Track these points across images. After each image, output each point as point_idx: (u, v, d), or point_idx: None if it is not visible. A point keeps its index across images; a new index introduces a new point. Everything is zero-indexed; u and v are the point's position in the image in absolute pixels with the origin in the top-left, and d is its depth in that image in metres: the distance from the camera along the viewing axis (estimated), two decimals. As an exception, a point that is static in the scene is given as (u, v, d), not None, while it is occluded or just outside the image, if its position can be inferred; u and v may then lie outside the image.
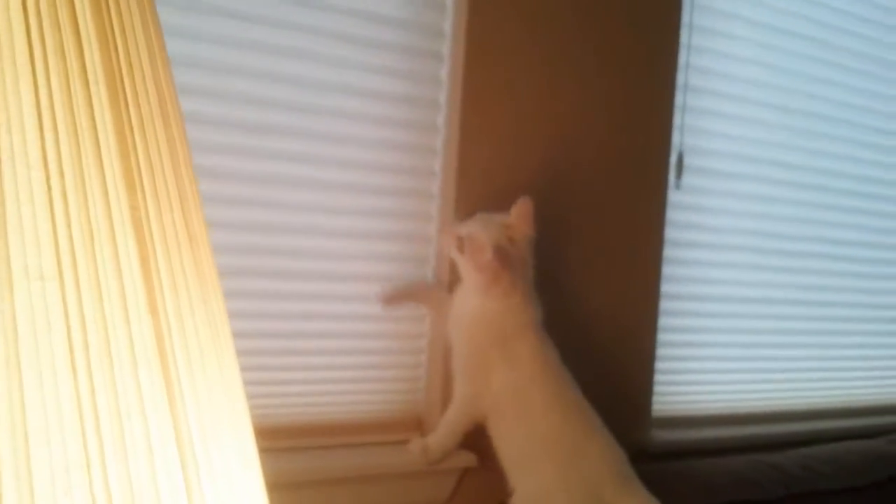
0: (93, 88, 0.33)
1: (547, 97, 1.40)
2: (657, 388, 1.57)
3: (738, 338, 1.72)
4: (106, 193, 0.32)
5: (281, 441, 1.24)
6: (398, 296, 1.28)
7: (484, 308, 1.19)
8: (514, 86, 1.37)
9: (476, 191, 1.33)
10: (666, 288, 1.57)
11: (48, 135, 0.31)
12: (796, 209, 1.77)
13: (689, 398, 1.66)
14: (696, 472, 1.30)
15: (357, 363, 1.31)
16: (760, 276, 1.74)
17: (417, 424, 1.36)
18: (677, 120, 1.56)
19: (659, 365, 1.57)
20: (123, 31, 0.35)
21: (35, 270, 0.29)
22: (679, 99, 1.56)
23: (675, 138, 1.56)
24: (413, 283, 1.31)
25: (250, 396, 1.23)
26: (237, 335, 1.24)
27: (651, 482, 1.20)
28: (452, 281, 1.29)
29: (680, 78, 1.56)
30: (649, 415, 1.56)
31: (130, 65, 0.36)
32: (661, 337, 1.57)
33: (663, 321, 1.57)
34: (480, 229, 1.18)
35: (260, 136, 1.19)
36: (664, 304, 1.57)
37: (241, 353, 1.21)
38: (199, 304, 0.38)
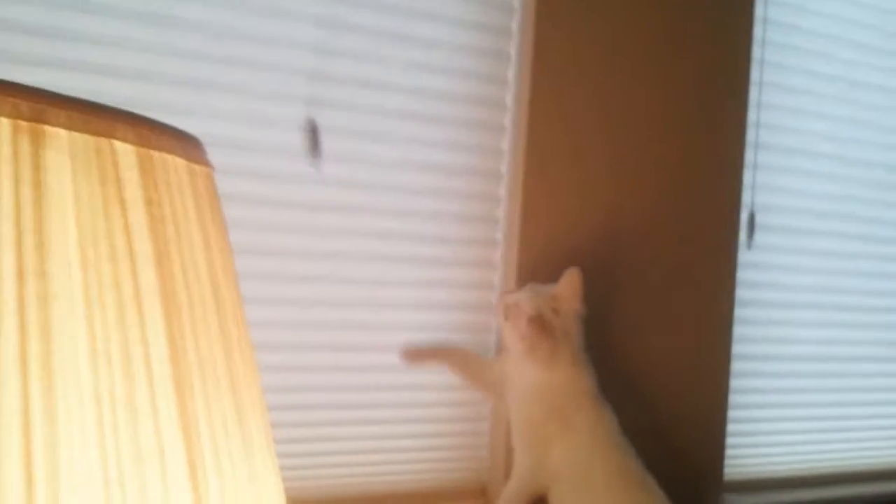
0: (144, 295, 0.37)
1: (612, 159, 1.40)
2: (729, 451, 1.55)
3: (812, 397, 1.67)
4: (156, 409, 0.36)
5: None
6: (424, 354, 1.28)
7: (537, 380, 1.20)
8: (578, 150, 1.38)
9: (539, 259, 1.35)
10: (738, 349, 1.54)
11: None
12: (871, 263, 1.72)
13: (763, 461, 1.62)
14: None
15: (420, 432, 1.34)
16: (835, 334, 1.69)
17: (481, 493, 1.38)
18: (748, 178, 1.54)
19: (731, 427, 1.55)
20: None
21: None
22: (749, 157, 1.54)
23: (746, 197, 1.54)
24: (441, 344, 1.31)
25: (316, 466, 1.29)
26: (306, 407, 1.30)
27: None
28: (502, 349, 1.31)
29: (750, 135, 1.54)
30: (721, 478, 1.53)
31: (182, 256, 0.40)
32: (733, 398, 1.55)
33: (735, 382, 1.55)
34: (526, 299, 1.19)
35: (327, 213, 1.24)
36: (736, 366, 1.54)
37: (307, 424, 1.26)
38: (246, 488, 0.41)
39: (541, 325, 1.16)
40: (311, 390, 1.25)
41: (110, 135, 0.36)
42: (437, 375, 1.32)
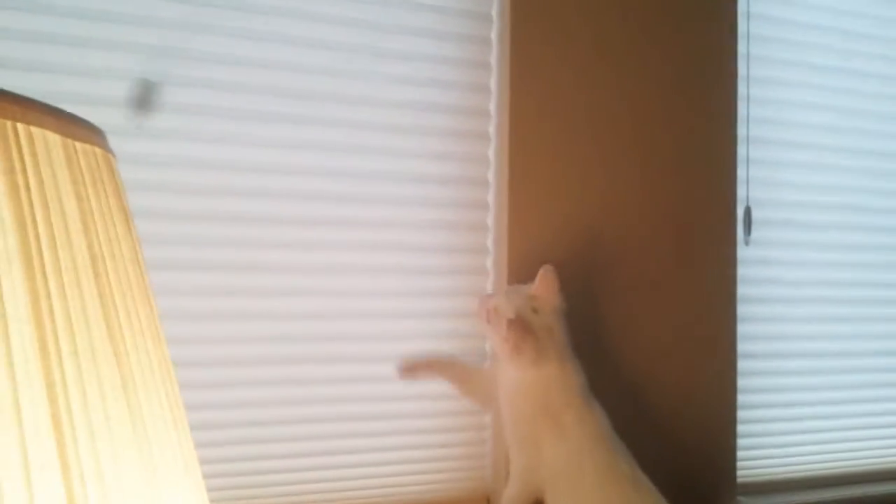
0: (1, 257, 0.38)
1: (599, 161, 1.40)
2: (741, 454, 1.51)
3: (822, 395, 1.62)
4: (11, 362, 0.37)
5: (348, 522, 1.28)
6: (419, 367, 1.28)
7: (523, 379, 1.19)
8: (564, 153, 1.38)
9: (529, 263, 1.34)
10: (743, 347, 1.51)
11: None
12: (874, 254, 1.68)
13: (775, 461, 1.57)
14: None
15: (421, 443, 1.33)
16: (841, 329, 1.64)
17: (485, 502, 1.37)
18: (742, 173, 1.52)
19: (741, 428, 1.51)
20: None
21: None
22: (742, 151, 1.52)
23: (742, 192, 1.52)
24: (435, 356, 1.31)
25: (316, 480, 1.29)
26: (303, 421, 1.31)
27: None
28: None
29: (742, 130, 1.53)
30: (734, 481, 1.49)
31: (51, 229, 0.41)
32: (742, 398, 1.51)
33: (743, 382, 1.51)
34: (505, 301, 1.19)
35: (314, 227, 1.26)
36: (742, 364, 1.51)
37: (308, 438, 1.27)
38: (130, 454, 0.42)
39: (521, 326, 1.15)
40: (309, 403, 1.26)
41: (-35, 107, 0.38)
42: (438, 385, 1.32)
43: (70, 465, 0.38)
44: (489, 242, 1.38)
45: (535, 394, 1.18)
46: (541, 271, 1.20)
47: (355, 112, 1.29)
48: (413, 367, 1.28)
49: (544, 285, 1.19)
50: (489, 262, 1.38)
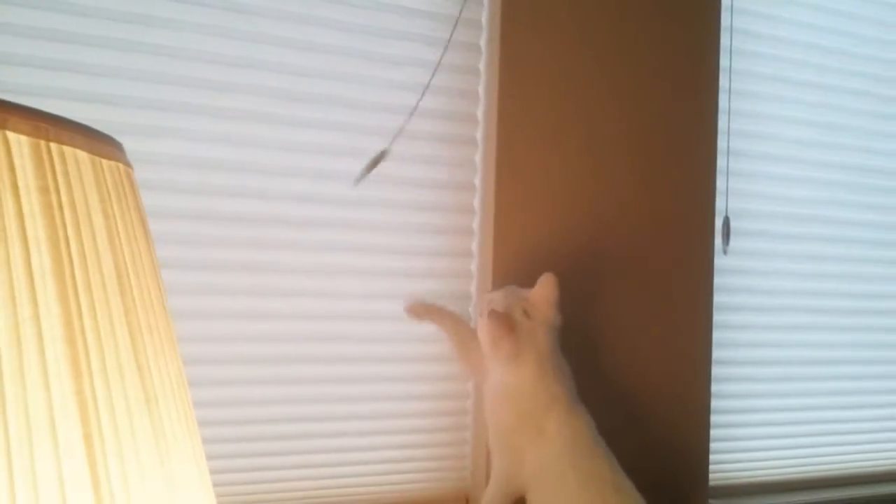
0: (37, 275, 0.39)
1: (584, 169, 1.42)
2: (713, 457, 1.54)
3: (794, 401, 1.67)
4: (48, 383, 0.37)
5: (330, 521, 1.29)
6: (426, 311, 1.28)
7: (505, 381, 1.20)
8: (549, 159, 1.40)
9: (513, 268, 1.36)
10: (718, 354, 1.55)
11: None
12: (848, 266, 1.73)
13: (747, 465, 1.62)
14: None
15: (402, 443, 1.35)
16: (815, 337, 1.69)
17: (465, 501, 1.39)
18: (721, 184, 1.56)
19: (714, 433, 1.55)
20: (74, 209, 0.41)
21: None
22: (722, 163, 1.56)
23: (721, 203, 1.56)
24: (446, 309, 1.31)
25: (298, 479, 1.30)
26: (281, 420, 1.31)
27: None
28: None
29: (721, 142, 1.56)
30: (706, 485, 1.53)
31: (82, 247, 0.41)
32: (715, 404, 1.55)
33: (717, 388, 1.55)
34: (500, 298, 1.20)
35: (301, 228, 1.27)
36: (717, 371, 1.55)
37: (285, 437, 1.28)
38: (154, 469, 0.43)
39: (503, 320, 1.16)
40: (290, 402, 1.27)
41: (2, 126, 0.38)
42: (419, 385, 1.33)
43: (101, 482, 0.39)
44: (474, 246, 1.39)
45: (515, 399, 1.19)
46: (542, 278, 1.21)
47: (347, 115, 1.30)
48: (421, 312, 1.28)
49: (540, 292, 1.20)
50: (474, 266, 1.39)
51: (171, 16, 1.19)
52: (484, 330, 1.19)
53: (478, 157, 1.40)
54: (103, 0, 1.15)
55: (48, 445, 0.37)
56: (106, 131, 0.47)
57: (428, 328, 1.35)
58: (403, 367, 1.34)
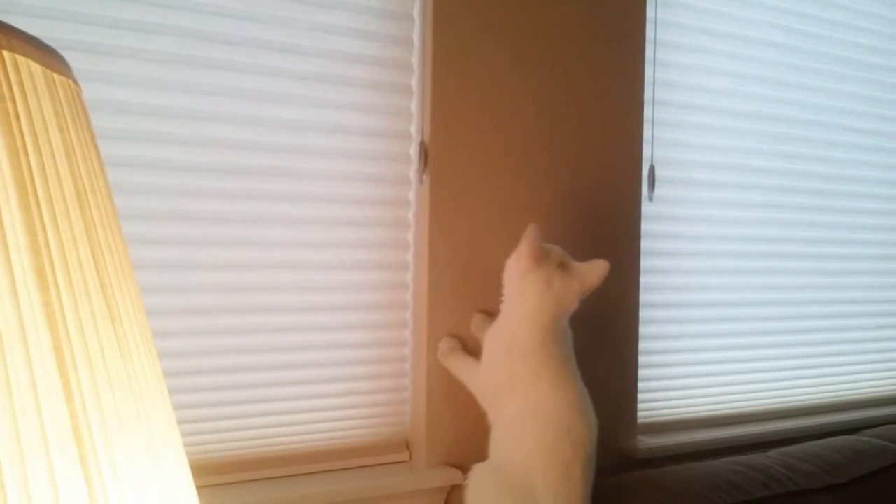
0: None
1: (512, 122, 1.44)
2: (642, 396, 1.61)
3: (718, 341, 1.76)
4: (16, 293, 0.37)
5: (272, 470, 1.29)
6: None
7: (499, 323, 1.29)
8: (479, 112, 1.41)
9: (446, 262, 1.38)
10: (645, 297, 1.61)
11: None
12: (769, 212, 1.81)
13: (674, 403, 1.70)
14: (673, 478, 1.33)
15: (343, 390, 1.36)
16: (738, 280, 1.78)
17: (405, 446, 1.41)
18: (647, 133, 1.60)
19: (642, 372, 1.61)
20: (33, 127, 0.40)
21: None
22: (647, 113, 1.60)
23: (647, 152, 1.60)
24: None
25: (240, 429, 1.29)
26: (223, 371, 1.30)
27: (629, 490, 1.23)
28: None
29: (647, 92, 1.60)
30: (635, 421, 1.60)
31: (41, 159, 0.41)
32: (644, 345, 1.61)
33: (644, 330, 1.61)
34: (549, 246, 1.28)
35: (230, 177, 1.25)
36: (644, 314, 1.61)
37: (228, 387, 1.27)
38: (120, 381, 0.42)
39: (536, 242, 1.24)
40: (228, 353, 1.26)
41: (-44, 30, 0.37)
42: (357, 333, 1.34)
43: (73, 392, 0.39)
44: (409, 216, 1.40)
45: (508, 334, 1.26)
46: (597, 260, 1.26)
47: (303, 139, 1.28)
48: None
49: (588, 268, 1.26)
50: (409, 257, 1.40)
51: None
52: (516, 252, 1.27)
53: (411, 172, 1.40)
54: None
55: (19, 353, 0.37)
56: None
57: (364, 276, 1.36)
58: (341, 316, 1.35)
